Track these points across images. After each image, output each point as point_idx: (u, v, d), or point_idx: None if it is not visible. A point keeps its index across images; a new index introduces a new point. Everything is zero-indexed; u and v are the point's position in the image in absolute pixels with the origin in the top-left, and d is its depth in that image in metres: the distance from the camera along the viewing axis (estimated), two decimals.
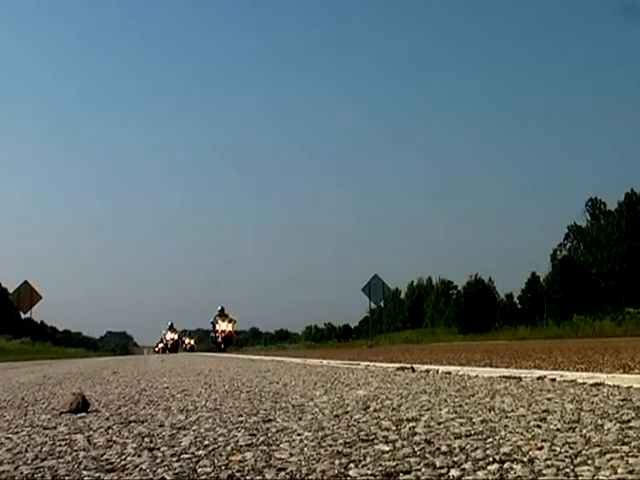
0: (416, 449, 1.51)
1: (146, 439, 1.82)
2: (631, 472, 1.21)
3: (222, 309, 37.81)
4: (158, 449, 1.66)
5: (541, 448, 1.44)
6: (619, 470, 1.23)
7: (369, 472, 1.32)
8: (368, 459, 1.42)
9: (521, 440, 1.55)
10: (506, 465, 1.31)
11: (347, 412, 2.22)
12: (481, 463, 1.34)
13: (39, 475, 1.42)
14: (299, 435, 1.77)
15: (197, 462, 1.48)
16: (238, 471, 1.38)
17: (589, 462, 1.30)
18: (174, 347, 44.88)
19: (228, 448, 1.63)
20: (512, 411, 2.06)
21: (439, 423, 1.87)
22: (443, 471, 1.30)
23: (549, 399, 2.33)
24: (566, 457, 1.35)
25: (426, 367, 4.54)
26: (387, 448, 1.53)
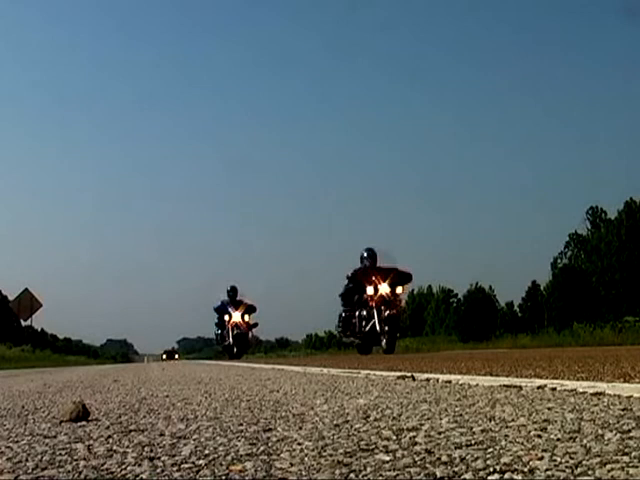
0: (416, 459, 1.50)
1: (146, 448, 1.82)
2: None
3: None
4: (158, 458, 1.65)
5: (542, 458, 1.44)
6: None
7: None
8: (369, 469, 1.42)
9: (522, 450, 1.55)
10: (507, 475, 1.31)
11: (347, 421, 2.22)
12: (482, 473, 1.34)
13: None
14: (299, 444, 1.77)
15: (197, 472, 1.48)
16: None
17: (590, 472, 1.30)
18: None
19: (228, 458, 1.62)
20: (512, 421, 2.06)
21: (439, 433, 1.87)
22: None
23: (549, 408, 2.33)
24: (567, 467, 1.35)
25: (426, 376, 4.53)
26: (387, 458, 1.53)
